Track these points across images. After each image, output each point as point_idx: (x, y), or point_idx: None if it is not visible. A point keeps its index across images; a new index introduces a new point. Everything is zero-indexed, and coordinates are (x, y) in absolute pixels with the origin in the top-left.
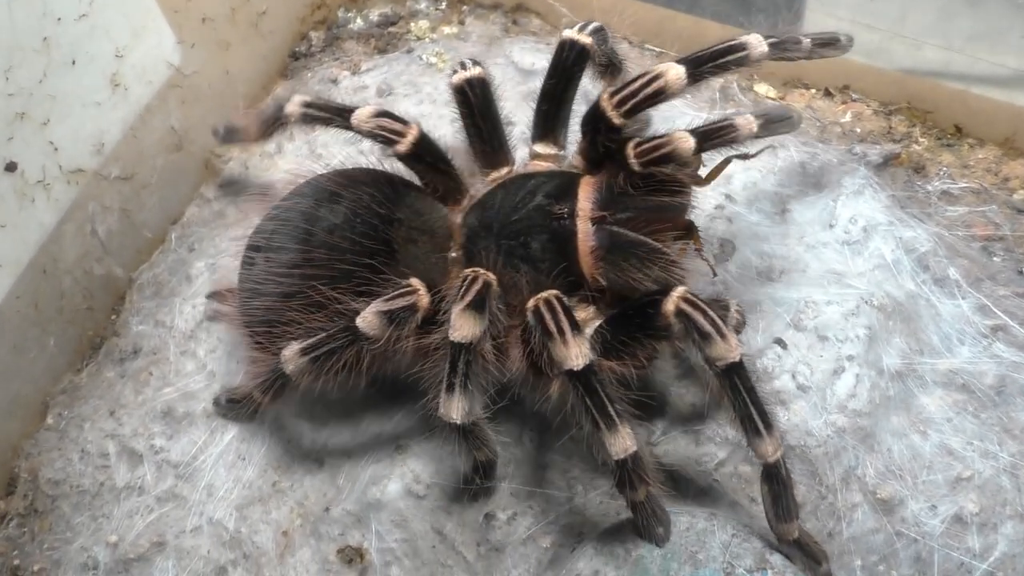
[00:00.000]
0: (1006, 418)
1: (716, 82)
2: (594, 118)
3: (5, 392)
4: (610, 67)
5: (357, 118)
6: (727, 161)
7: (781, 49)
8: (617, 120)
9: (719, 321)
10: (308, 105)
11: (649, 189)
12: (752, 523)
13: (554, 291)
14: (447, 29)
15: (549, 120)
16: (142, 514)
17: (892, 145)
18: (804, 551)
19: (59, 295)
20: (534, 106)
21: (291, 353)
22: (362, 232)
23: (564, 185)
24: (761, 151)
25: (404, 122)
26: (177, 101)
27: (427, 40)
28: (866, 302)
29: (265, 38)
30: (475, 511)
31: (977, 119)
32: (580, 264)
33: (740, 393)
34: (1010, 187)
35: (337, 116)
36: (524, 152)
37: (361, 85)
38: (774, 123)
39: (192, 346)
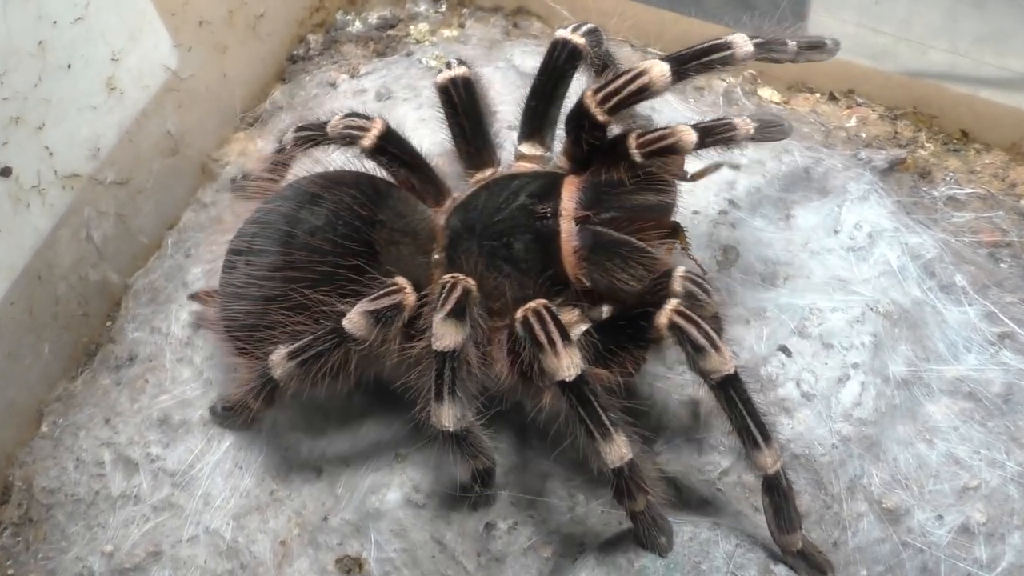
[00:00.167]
0: (1013, 427)
1: (719, 86)
2: (578, 115)
3: None
4: (605, 70)
5: (330, 127)
6: (717, 165)
7: (767, 50)
8: (601, 117)
9: (713, 333)
10: (299, 129)
11: (634, 188)
12: (756, 533)
13: (542, 300)
14: (447, 32)
15: (536, 119)
16: (138, 523)
17: (898, 150)
18: (809, 562)
19: (54, 301)
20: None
21: (278, 358)
22: (344, 234)
23: (547, 185)
24: (738, 166)
25: (369, 118)
26: (173, 105)
27: (427, 43)
28: (871, 309)
29: (263, 41)
30: (475, 520)
31: (984, 124)
32: (564, 264)
33: (736, 405)
34: (1017, 193)
35: (319, 131)
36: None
37: (360, 88)
38: (768, 128)
39: (188, 353)
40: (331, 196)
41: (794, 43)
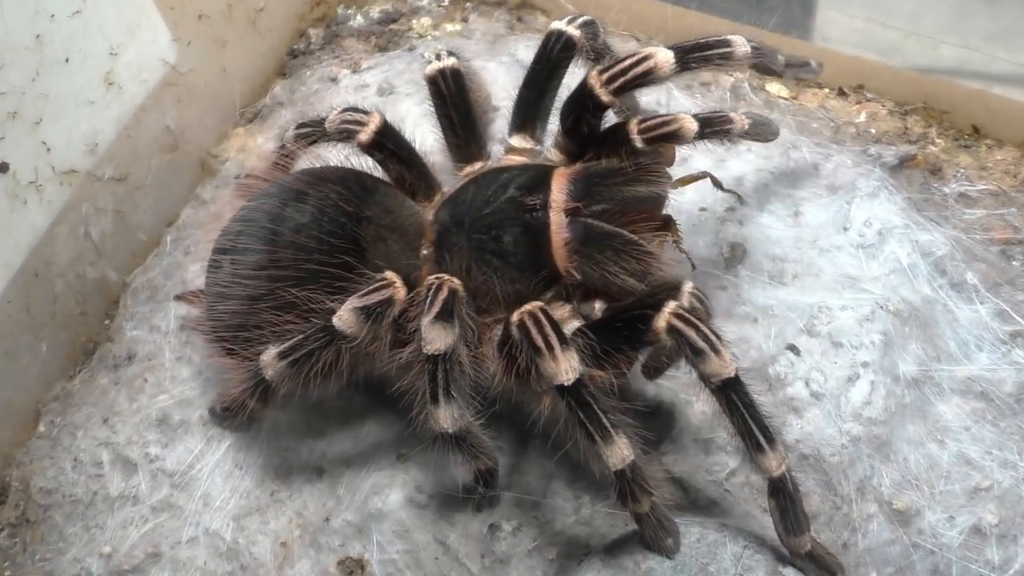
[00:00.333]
0: None
1: (727, 81)
2: (581, 96)
3: None
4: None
5: (328, 122)
6: (704, 174)
7: (760, 55)
8: (606, 97)
9: (713, 336)
10: (300, 126)
11: (625, 179)
12: (765, 534)
13: (537, 303)
14: (450, 27)
15: (528, 111)
16: (136, 524)
17: (908, 146)
18: (818, 564)
19: (51, 299)
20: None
21: (269, 358)
22: (329, 231)
23: (537, 177)
24: (732, 192)
25: (366, 112)
26: (172, 100)
27: (429, 38)
28: (881, 307)
29: (263, 35)
30: (479, 522)
31: (995, 119)
32: (554, 257)
33: (738, 408)
34: None
35: (320, 128)
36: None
37: (362, 84)
38: (760, 127)
39: (188, 352)
40: (316, 193)
41: (783, 58)
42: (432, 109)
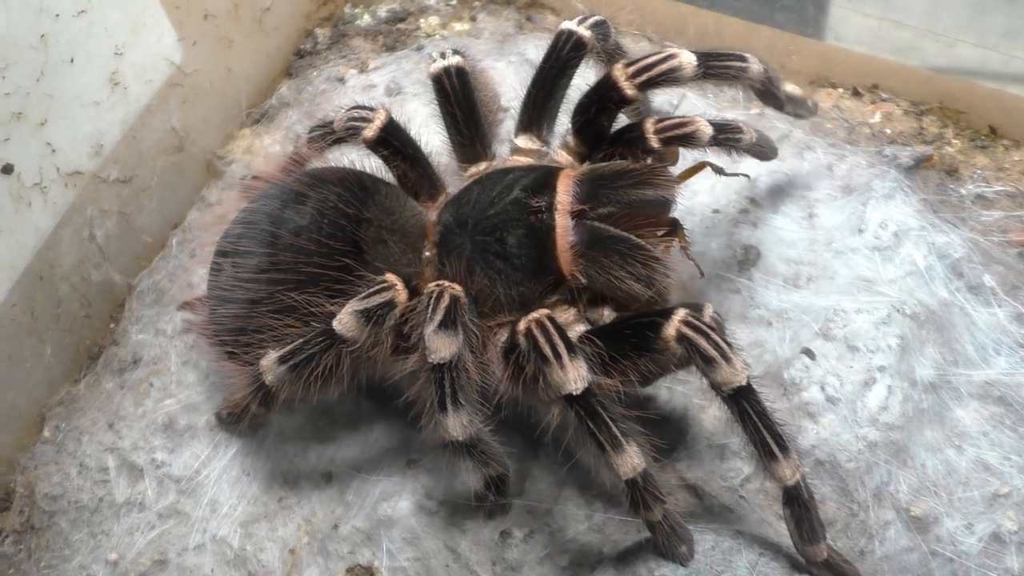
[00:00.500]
0: None
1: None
2: (603, 89)
3: (0, 404)
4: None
5: (336, 122)
6: (704, 164)
7: (768, 82)
8: (630, 91)
9: (723, 344)
10: (311, 130)
11: (632, 182)
12: (780, 541)
13: (544, 311)
14: (458, 26)
15: (535, 111)
16: (143, 531)
17: (923, 147)
18: (834, 572)
19: (56, 303)
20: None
21: (269, 362)
22: (329, 233)
23: (542, 178)
24: (737, 175)
25: (372, 108)
26: (178, 100)
27: (437, 37)
28: (898, 310)
29: (269, 35)
30: (490, 528)
31: (1012, 119)
32: (559, 261)
33: (750, 417)
34: None
35: (329, 129)
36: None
37: (369, 84)
38: (761, 145)
39: (194, 356)
40: (316, 194)
41: (784, 92)
42: (437, 110)
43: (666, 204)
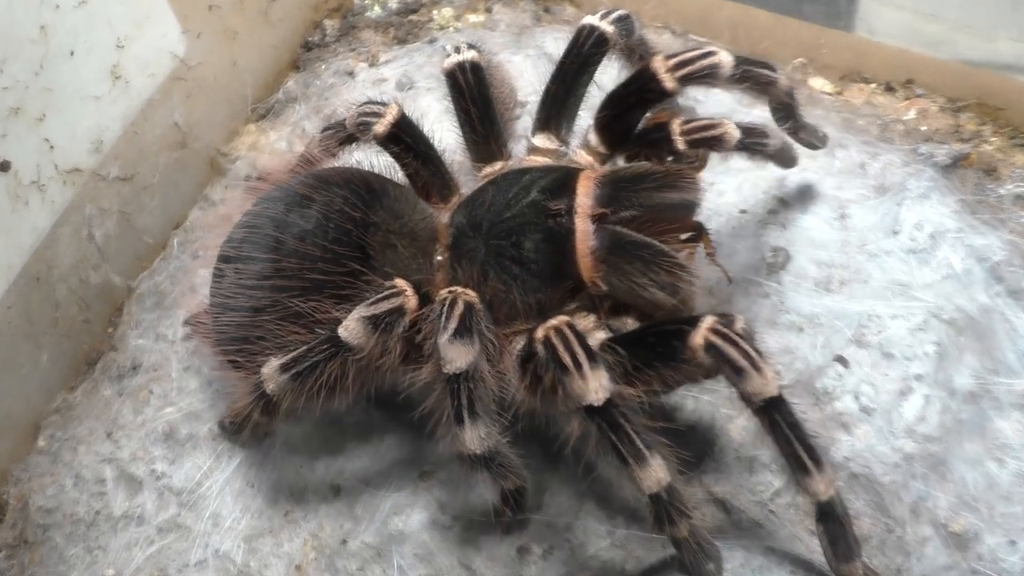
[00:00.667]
0: None
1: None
2: (639, 81)
3: None
4: (639, 60)
5: (348, 120)
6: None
7: (790, 99)
8: (670, 84)
9: (754, 353)
10: (324, 130)
11: (656, 184)
12: (812, 558)
13: (564, 317)
14: (473, 17)
15: (555, 109)
16: (141, 546)
17: (960, 145)
18: None
19: (53, 305)
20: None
21: (270, 371)
22: (335, 238)
23: (562, 180)
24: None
25: (383, 104)
26: (181, 95)
27: (451, 29)
28: (935, 316)
29: (275, 27)
30: (507, 545)
31: None
32: (578, 266)
33: (782, 429)
34: None
35: (341, 129)
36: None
37: (380, 78)
38: (784, 152)
39: (196, 362)
40: (321, 198)
41: (802, 120)
42: (451, 105)
43: (691, 207)
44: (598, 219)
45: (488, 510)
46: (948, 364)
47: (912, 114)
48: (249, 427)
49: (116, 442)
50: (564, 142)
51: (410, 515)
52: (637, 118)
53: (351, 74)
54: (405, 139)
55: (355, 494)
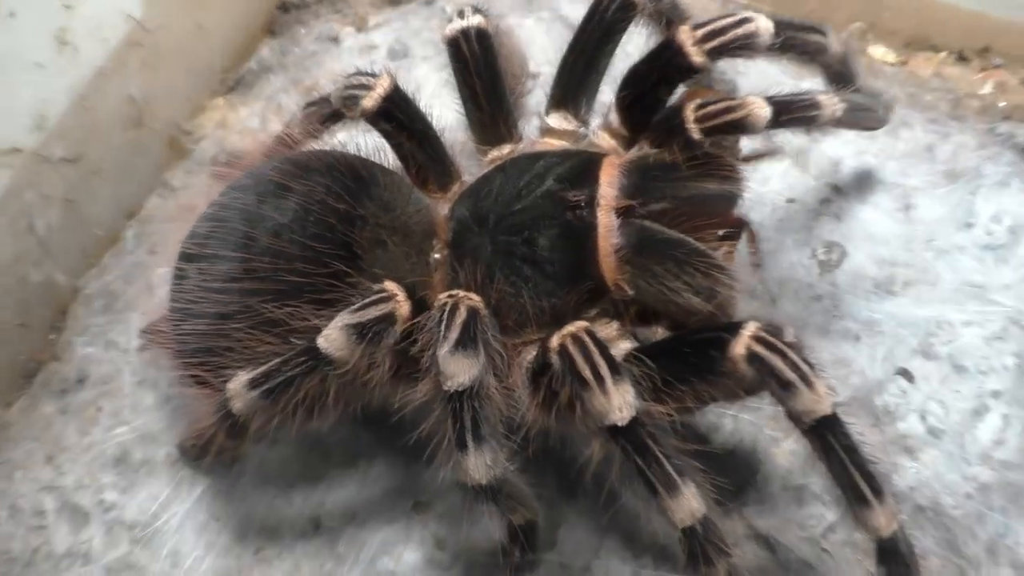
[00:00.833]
0: None
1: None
2: (663, 55)
3: None
4: (671, 26)
5: (333, 93)
6: (772, 152)
7: (845, 66)
8: (698, 58)
9: (804, 365)
10: (306, 106)
11: (692, 173)
12: None
13: (583, 323)
14: None
15: (572, 83)
16: None
17: None
18: None
19: None
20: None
21: (238, 387)
22: (315, 234)
23: (582, 167)
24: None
25: (374, 75)
26: (138, 63)
27: None
28: (1014, 323)
29: None
30: None
31: None
32: (600, 267)
33: (837, 454)
34: None
35: (326, 104)
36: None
37: (369, 44)
38: (859, 112)
39: (153, 375)
40: (299, 186)
41: (863, 81)
42: (452, 77)
43: (731, 199)
44: (624, 212)
45: (494, 549)
46: None
47: (989, 88)
48: (214, 451)
49: (58, 467)
50: (583, 122)
51: (402, 553)
52: (663, 98)
53: (335, 40)
54: (398, 116)
55: (338, 529)
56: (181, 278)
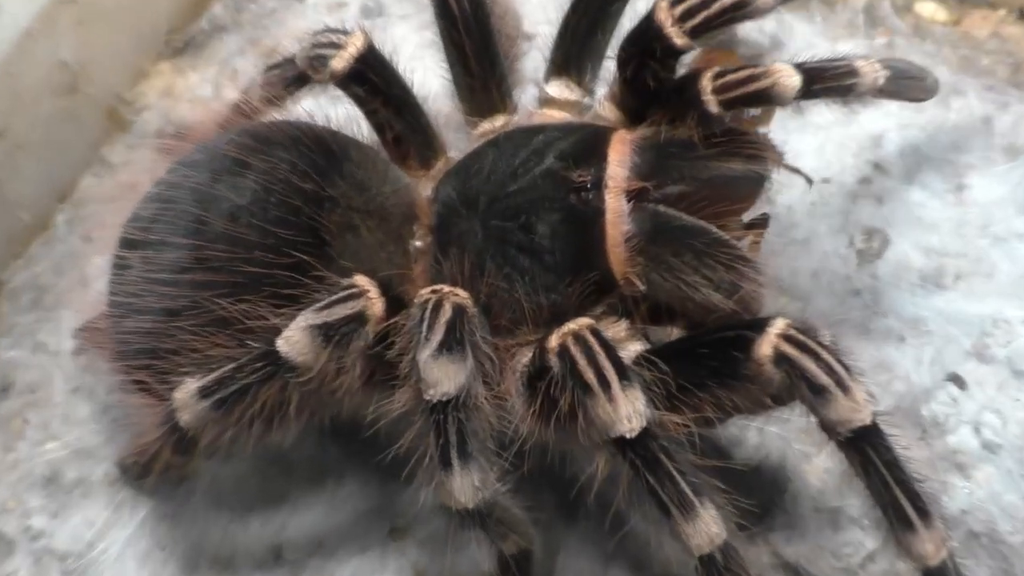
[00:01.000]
0: None
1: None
2: (643, 36)
3: None
4: None
5: (299, 53)
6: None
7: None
8: (678, 40)
9: (840, 368)
10: (267, 69)
11: (714, 152)
12: None
13: (586, 321)
14: None
15: (575, 47)
16: None
17: None
18: None
19: None
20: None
21: (185, 396)
22: (277, 218)
23: (588, 142)
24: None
25: (345, 32)
26: (70, 22)
27: None
28: None
29: None
30: None
31: None
32: (608, 258)
33: (877, 469)
34: None
35: (290, 66)
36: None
37: (338, 1)
38: (904, 80)
39: (88, 381)
40: (261, 163)
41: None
42: (438, 37)
43: (758, 181)
44: (636, 196)
45: None
46: None
47: None
48: (159, 469)
49: None
50: (588, 91)
51: None
52: (665, 73)
53: None
54: (373, 79)
55: (302, 558)
56: (122, 269)
